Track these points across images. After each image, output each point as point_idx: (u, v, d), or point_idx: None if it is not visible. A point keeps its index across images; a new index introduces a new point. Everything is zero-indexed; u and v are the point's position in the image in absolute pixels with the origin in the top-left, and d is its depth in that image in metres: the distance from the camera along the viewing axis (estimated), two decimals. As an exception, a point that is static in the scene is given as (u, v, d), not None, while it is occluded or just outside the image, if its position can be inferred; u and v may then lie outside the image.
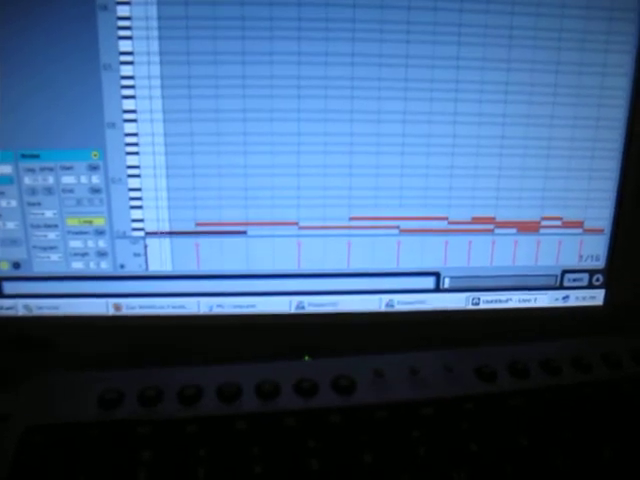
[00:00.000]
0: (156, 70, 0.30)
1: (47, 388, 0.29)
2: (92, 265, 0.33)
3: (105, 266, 0.33)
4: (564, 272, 0.35)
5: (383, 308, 0.34)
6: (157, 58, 0.30)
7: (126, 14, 0.30)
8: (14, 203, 0.31)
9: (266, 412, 0.28)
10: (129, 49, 0.30)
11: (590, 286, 0.36)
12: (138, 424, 0.27)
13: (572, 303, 0.36)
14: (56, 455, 0.26)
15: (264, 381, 0.30)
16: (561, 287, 0.35)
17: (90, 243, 0.32)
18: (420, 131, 0.32)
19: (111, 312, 0.33)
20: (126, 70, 0.30)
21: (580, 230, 0.34)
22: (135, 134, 0.31)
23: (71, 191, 0.31)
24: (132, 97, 0.30)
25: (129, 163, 0.31)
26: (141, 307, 0.33)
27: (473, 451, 0.27)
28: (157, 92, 0.30)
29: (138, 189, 0.32)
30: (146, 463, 0.26)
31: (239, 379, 0.30)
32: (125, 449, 0.27)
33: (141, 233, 0.32)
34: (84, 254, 0.32)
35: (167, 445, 0.27)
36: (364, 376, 0.30)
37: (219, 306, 0.34)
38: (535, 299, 0.35)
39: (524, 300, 0.35)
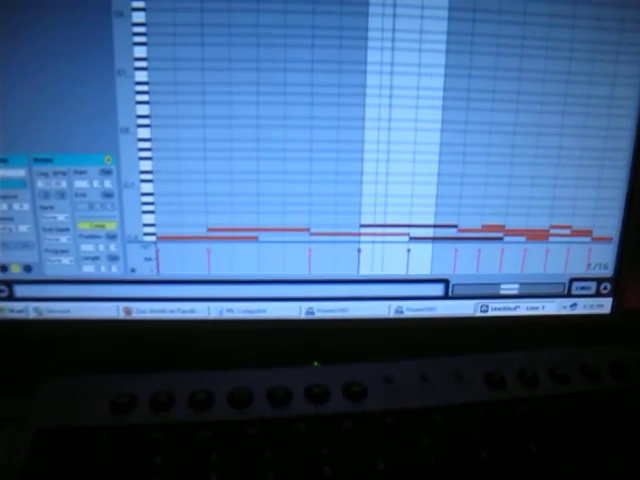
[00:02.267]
0: (170, 76, 0.30)
1: (59, 392, 0.29)
2: (103, 269, 0.33)
3: (116, 270, 0.33)
4: (572, 280, 0.35)
5: (392, 314, 0.35)
6: (171, 64, 0.30)
7: (141, 20, 0.30)
8: (27, 206, 0.31)
9: (277, 418, 0.28)
10: (144, 55, 0.30)
11: (598, 294, 0.36)
12: (150, 429, 0.27)
13: (580, 311, 0.36)
14: (67, 459, 0.26)
15: (275, 387, 0.30)
16: (569, 295, 0.35)
17: (101, 247, 0.32)
18: (430, 139, 0.32)
19: (121, 316, 0.33)
20: (140, 76, 0.30)
21: (589, 239, 0.35)
22: (148, 139, 0.31)
23: (83, 195, 0.32)
24: (146, 102, 0.31)
25: (142, 168, 0.31)
26: (151, 311, 0.33)
27: (483, 458, 0.28)
28: (171, 98, 0.31)
29: (151, 194, 0.32)
30: (158, 468, 0.26)
31: (250, 384, 0.30)
32: (137, 454, 0.27)
33: (153, 238, 0.32)
34: (95, 258, 0.32)
35: (179, 450, 0.27)
36: (375, 382, 0.31)
37: (229, 311, 0.34)
38: (543, 307, 0.35)
39: (532, 308, 0.35)
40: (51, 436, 0.27)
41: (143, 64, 0.30)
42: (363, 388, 0.30)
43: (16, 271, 0.32)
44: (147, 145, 0.31)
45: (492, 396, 0.30)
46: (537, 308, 0.35)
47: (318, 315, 0.34)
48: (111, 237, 0.32)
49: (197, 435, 0.27)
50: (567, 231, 0.34)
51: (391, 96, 0.31)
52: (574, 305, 0.36)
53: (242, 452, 0.27)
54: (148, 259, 0.33)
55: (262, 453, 0.27)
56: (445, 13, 0.31)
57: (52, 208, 0.32)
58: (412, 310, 0.34)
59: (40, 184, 0.31)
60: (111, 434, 0.27)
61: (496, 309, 0.35)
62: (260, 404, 0.29)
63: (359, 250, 0.33)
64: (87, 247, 0.32)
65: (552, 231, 0.34)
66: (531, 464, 0.28)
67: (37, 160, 0.31)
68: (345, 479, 0.26)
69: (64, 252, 0.32)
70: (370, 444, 0.28)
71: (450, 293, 0.34)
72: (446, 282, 0.34)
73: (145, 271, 0.33)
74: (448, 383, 0.31)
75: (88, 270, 0.33)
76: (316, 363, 0.33)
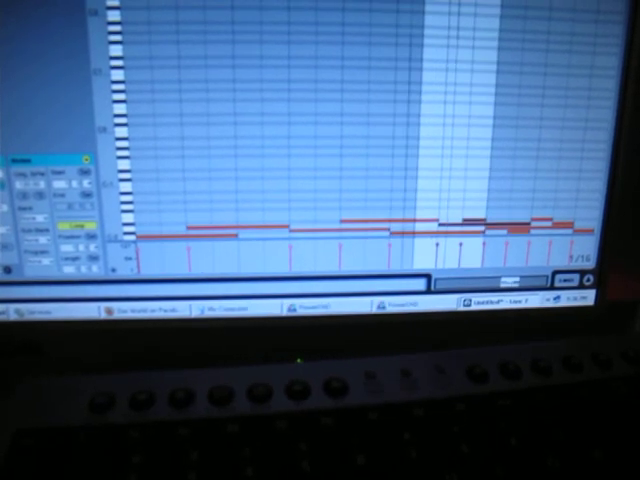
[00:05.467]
0: (147, 74, 0.30)
1: (38, 392, 0.29)
2: (83, 269, 0.33)
3: (96, 270, 0.33)
4: (555, 273, 0.35)
5: (375, 310, 0.34)
6: (147, 62, 0.30)
7: (116, 19, 0.30)
8: (5, 208, 0.31)
9: (258, 415, 0.28)
10: (119, 54, 0.30)
11: (581, 286, 0.36)
12: (129, 428, 0.27)
13: (563, 303, 0.36)
14: (46, 459, 0.26)
15: (256, 384, 0.30)
16: (552, 288, 0.35)
17: (81, 247, 0.32)
18: (409, 133, 0.32)
19: (103, 316, 0.33)
20: (117, 75, 0.30)
21: (570, 231, 0.35)
22: (126, 138, 0.31)
23: (62, 195, 0.31)
24: (123, 101, 0.31)
25: (120, 167, 0.31)
26: (133, 311, 0.33)
27: (464, 452, 0.27)
28: (148, 96, 0.31)
29: (129, 193, 0.32)
30: (137, 467, 0.26)
31: (231, 382, 0.30)
32: (116, 453, 0.27)
33: (132, 237, 0.32)
34: (75, 258, 0.32)
35: (158, 449, 0.27)
36: (356, 378, 0.30)
37: (211, 309, 0.34)
38: (526, 300, 0.35)
39: (515, 301, 0.35)
40: (29, 437, 0.27)
41: (119, 63, 0.30)
42: (344, 384, 0.30)
43: (-4, 273, 0.32)
44: (125, 144, 0.31)
45: (474, 390, 0.30)
46: (520, 301, 0.35)
47: (300, 312, 0.34)
48: (91, 237, 0.32)
49: (177, 433, 0.27)
50: (549, 223, 0.34)
51: (369, 91, 0.31)
52: (557, 298, 0.36)
53: (222, 450, 0.27)
54: (128, 258, 0.33)
55: (242, 450, 0.27)
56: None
57: (31, 209, 0.32)
58: (394, 305, 0.34)
59: (18, 185, 0.31)
60: (90, 433, 0.27)
61: (479, 303, 0.35)
62: (241, 401, 0.29)
63: (340, 246, 0.33)
64: (67, 247, 0.32)
65: (533, 224, 0.34)
66: (513, 458, 0.27)
67: (15, 161, 0.31)
68: (325, 474, 0.26)
69: (44, 253, 0.32)
70: (351, 440, 0.28)
71: (432, 288, 0.34)
72: (428, 277, 0.34)
73: (126, 271, 0.33)
74: (430, 378, 0.31)
75: (68, 271, 0.33)
76: (299, 360, 0.33)
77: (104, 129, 0.31)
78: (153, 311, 0.33)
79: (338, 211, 0.33)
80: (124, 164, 0.31)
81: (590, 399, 0.30)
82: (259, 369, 0.31)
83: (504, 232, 0.34)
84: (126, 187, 0.32)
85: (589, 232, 0.35)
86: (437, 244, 0.34)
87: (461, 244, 0.34)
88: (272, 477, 0.26)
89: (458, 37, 0.31)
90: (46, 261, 0.32)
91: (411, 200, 0.33)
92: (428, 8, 0.31)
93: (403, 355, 0.32)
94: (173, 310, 0.33)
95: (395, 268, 0.34)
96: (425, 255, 0.34)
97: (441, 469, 0.27)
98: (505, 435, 0.28)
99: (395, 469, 0.27)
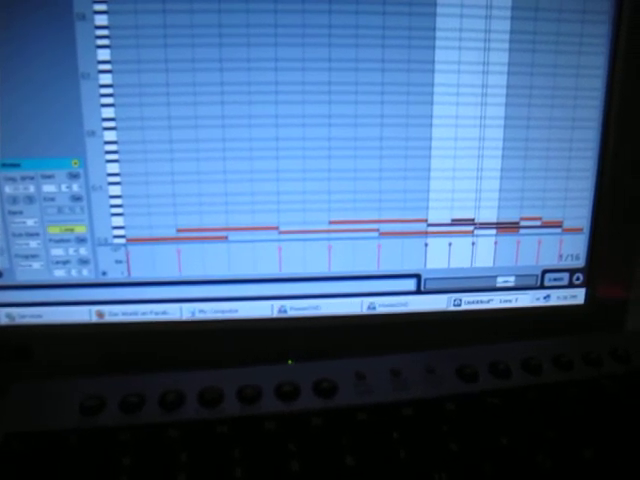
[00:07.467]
0: (134, 78, 0.30)
1: (29, 396, 0.29)
2: (74, 273, 0.33)
3: (87, 273, 0.33)
4: (545, 272, 0.35)
5: (365, 311, 0.35)
6: (135, 66, 0.30)
7: (104, 23, 0.30)
8: (-5, 212, 0.31)
9: (247, 416, 0.28)
10: (107, 58, 0.30)
11: (571, 285, 0.36)
12: (119, 430, 0.27)
13: (553, 302, 0.36)
14: (37, 463, 0.26)
15: (246, 385, 0.30)
16: (542, 287, 0.36)
17: (72, 251, 0.32)
18: (397, 134, 0.32)
19: (94, 319, 0.33)
20: (105, 78, 0.30)
21: (559, 230, 0.35)
22: (115, 142, 0.31)
23: (52, 199, 0.32)
24: (111, 105, 0.31)
25: (109, 171, 0.31)
26: (124, 314, 0.33)
27: (454, 451, 0.27)
28: (136, 100, 0.31)
29: (119, 196, 0.32)
30: (127, 469, 0.26)
31: (221, 384, 0.30)
32: (106, 456, 0.27)
33: (122, 240, 0.32)
34: (66, 262, 0.32)
35: (148, 451, 0.27)
36: (346, 379, 0.31)
37: (201, 311, 0.34)
38: (516, 299, 0.35)
39: (505, 300, 0.35)
40: (20, 440, 0.27)
41: (107, 67, 0.30)
42: (333, 384, 0.30)
43: (-13, 277, 0.32)
44: (114, 148, 0.31)
45: (464, 389, 0.30)
46: (511, 301, 0.35)
47: (291, 313, 0.34)
48: (81, 240, 0.32)
49: (167, 435, 0.27)
50: (538, 223, 0.34)
51: (356, 93, 0.32)
52: (547, 297, 0.36)
53: (212, 451, 0.27)
54: (119, 262, 0.33)
55: (232, 451, 0.27)
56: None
57: (21, 213, 0.32)
58: (384, 306, 0.34)
59: (8, 189, 0.31)
60: (81, 437, 0.27)
61: (469, 303, 0.35)
62: (230, 403, 0.29)
63: (329, 247, 0.33)
64: (57, 251, 0.32)
65: (522, 223, 0.34)
66: (503, 457, 0.27)
67: (4, 165, 0.31)
68: (314, 475, 0.26)
69: (34, 257, 0.32)
70: (340, 440, 0.28)
71: (422, 288, 0.35)
72: (418, 277, 0.34)
73: (116, 274, 0.33)
74: (420, 377, 0.31)
75: (59, 274, 0.33)
76: (290, 361, 0.33)
77: (93, 133, 0.31)
78: (144, 314, 0.33)
79: (327, 212, 0.33)
80: (113, 168, 0.31)
81: (580, 398, 0.30)
82: (249, 370, 0.31)
83: (493, 232, 0.34)
84: (115, 190, 0.32)
85: (578, 231, 0.35)
86: (426, 244, 0.34)
87: (450, 244, 0.34)
88: (261, 478, 0.26)
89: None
90: (37, 265, 0.32)
91: (400, 201, 0.33)
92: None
93: (393, 355, 0.32)
94: (164, 313, 0.34)
95: (385, 269, 0.34)
96: (414, 255, 0.34)
97: (430, 468, 0.27)
98: (495, 434, 0.28)
99: (384, 469, 0.27)
